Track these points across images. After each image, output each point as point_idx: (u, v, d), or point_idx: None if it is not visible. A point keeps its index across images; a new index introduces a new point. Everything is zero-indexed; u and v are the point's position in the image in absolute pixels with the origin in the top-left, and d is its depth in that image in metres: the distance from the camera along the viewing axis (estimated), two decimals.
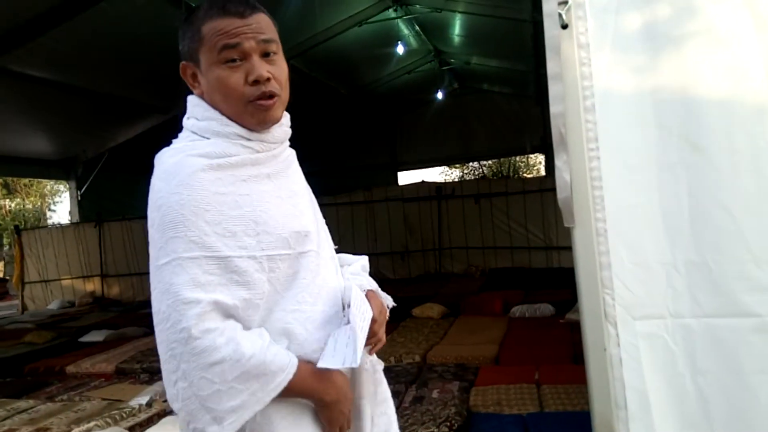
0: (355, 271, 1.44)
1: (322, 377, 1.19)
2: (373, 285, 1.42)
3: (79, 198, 11.95)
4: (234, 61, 1.18)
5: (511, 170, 21.71)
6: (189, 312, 1.08)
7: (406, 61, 11.32)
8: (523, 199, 9.49)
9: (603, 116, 1.83)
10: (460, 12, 8.80)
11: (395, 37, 9.85)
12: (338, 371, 1.22)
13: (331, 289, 1.28)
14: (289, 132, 1.30)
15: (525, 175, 21.07)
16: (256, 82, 1.18)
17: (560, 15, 1.81)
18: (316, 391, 1.19)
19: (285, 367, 1.13)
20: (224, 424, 1.08)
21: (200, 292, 1.09)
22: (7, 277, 16.16)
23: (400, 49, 10.07)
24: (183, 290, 1.09)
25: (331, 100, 12.51)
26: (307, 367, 1.18)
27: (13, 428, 3.85)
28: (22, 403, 4.44)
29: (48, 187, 19.77)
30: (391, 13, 9.01)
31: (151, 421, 3.74)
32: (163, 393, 4.35)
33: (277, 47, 1.22)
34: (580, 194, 1.85)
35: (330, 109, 13.04)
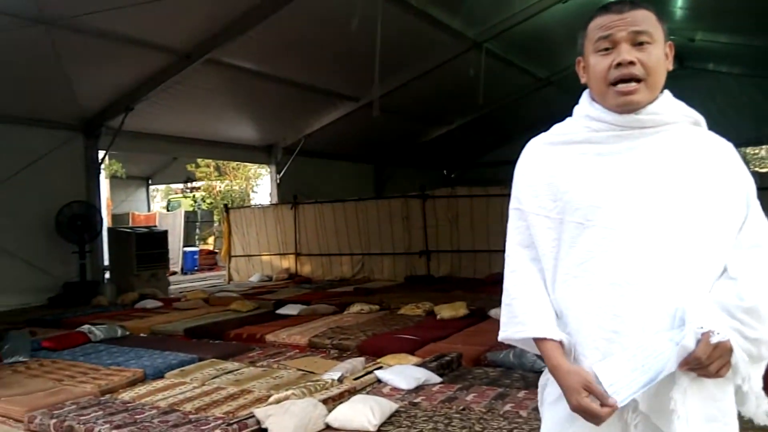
0: (720, 301, 1.22)
1: (556, 365, 1.30)
2: (725, 328, 1.18)
3: (278, 181, 13.02)
4: (606, 49, 1.33)
5: None
6: (507, 244, 1.46)
7: None
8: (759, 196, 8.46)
9: None
10: None
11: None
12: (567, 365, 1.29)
13: (625, 274, 1.26)
14: (659, 118, 1.33)
15: (757, 169, 19.34)
16: (619, 65, 1.30)
17: None
18: (551, 369, 1.33)
19: (522, 328, 1.37)
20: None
21: (512, 233, 1.45)
22: (216, 250, 18.15)
23: None
24: (508, 229, 1.47)
25: (526, 85, 12.11)
26: (547, 347, 1.32)
27: (222, 386, 4.23)
28: (229, 365, 4.87)
29: (252, 170, 21.83)
30: None
31: (342, 396, 3.84)
32: (354, 370, 4.48)
33: (651, 38, 1.32)
34: None
35: (525, 95, 12.64)
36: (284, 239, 12.30)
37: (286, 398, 3.59)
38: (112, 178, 17.58)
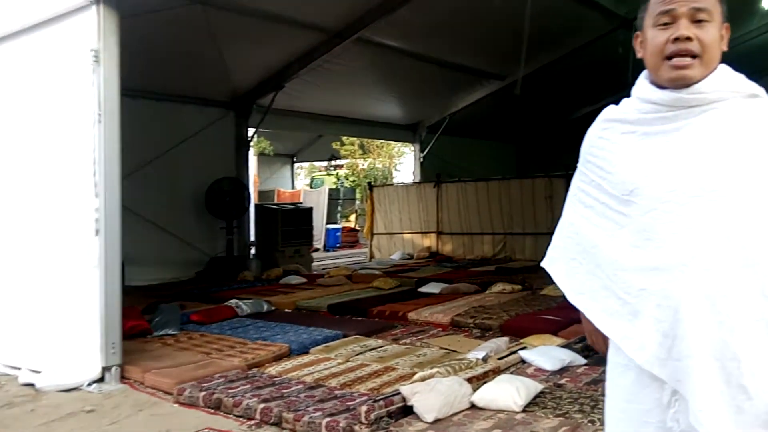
0: None
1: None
2: None
3: (422, 160, 13.19)
4: (666, 24, 1.38)
5: None
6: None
7: None
8: None
9: None
10: None
11: None
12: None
13: (668, 256, 1.31)
14: (706, 97, 1.36)
15: None
16: (677, 39, 1.35)
17: None
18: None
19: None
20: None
21: (570, 200, 1.61)
22: (358, 228, 18.75)
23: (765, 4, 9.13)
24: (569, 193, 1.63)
25: None
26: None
27: (366, 363, 4.37)
28: (372, 342, 5.03)
29: (395, 149, 22.23)
30: None
31: (486, 375, 3.86)
32: (498, 350, 4.48)
33: (710, 16, 1.37)
34: None
35: None
36: (426, 217, 12.48)
37: (431, 376, 3.64)
38: (260, 155, 18.66)
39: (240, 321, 6.06)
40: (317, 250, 15.06)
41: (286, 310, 6.85)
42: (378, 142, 20.50)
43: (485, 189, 11.60)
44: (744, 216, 1.27)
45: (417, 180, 13.21)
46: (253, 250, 10.56)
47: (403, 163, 22.41)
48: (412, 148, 14.03)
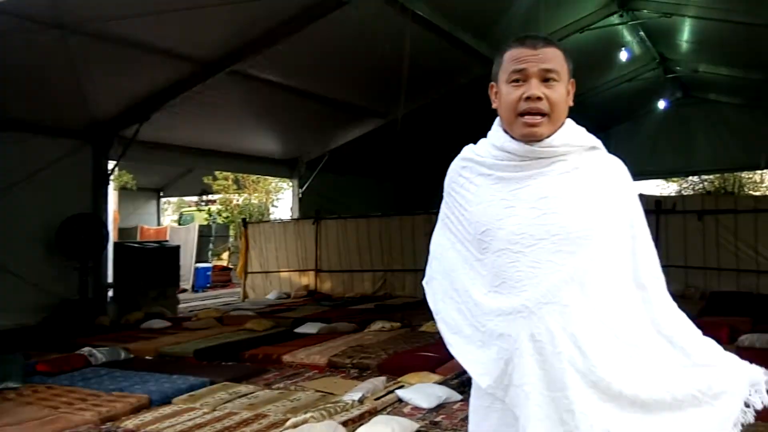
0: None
1: None
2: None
3: (300, 196, 13.04)
4: (518, 81, 1.51)
5: (736, 187, 20.73)
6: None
7: (628, 68, 11.38)
8: (755, 218, 9.02)
9: None
10: (690, 17, 8.74)
11: (618, 44, 9.96)
12: None
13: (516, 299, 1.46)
14: (554, 150, 1.51)
15: (752, 192, 20.14)
16: (528, 98, 1.48)
17: None
18: None
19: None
20: None
21: (440, 221, 1.74)
22: (231, 266, 18.13)
23: (623, 56, 10.17)
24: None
25: None
26: None
27: (234, 412, 4.14)
28: (243, 388, 4.79)
29: (272, 184, 21.92)
30: (615, 19, 9.03)
31: (362, 417, 3.79)
32: (374, 390, 4.40)
33: (558, 76, 1.51)
34: None
35: None
36: (304, 255, 12.34)
37: (304, 422, 3.54)
38: (121, 189, 17.69)
39: (94, 371, 5.59)
40: (185, 291, 14.35)
41: (147, 357, 6.41)
42: (254, 177, 20.12)
43: (366, 226, 11.69)
44: (584, 258, 1.43)
45: (295, 216, 13.05)
46: (111, 293, 9.83)
47: (282, 198, 22.16)
48: (291, 184, 13.86)
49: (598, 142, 1.58)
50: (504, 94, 1.54)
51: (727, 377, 1.45)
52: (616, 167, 1.56)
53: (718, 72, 11.32)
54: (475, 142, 1.66)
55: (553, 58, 1.52)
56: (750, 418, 1.46)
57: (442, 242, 1.68)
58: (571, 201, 1.47)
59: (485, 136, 1.63)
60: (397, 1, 7.27)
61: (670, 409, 1.40)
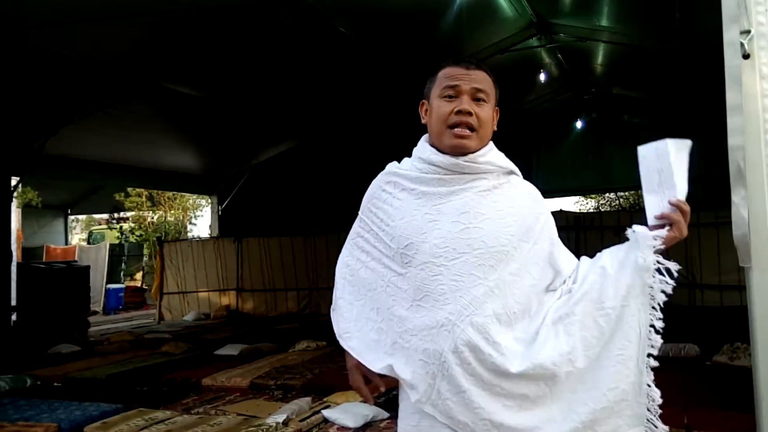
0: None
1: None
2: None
3: (220, 213, 12.73)
4: (450, 97, 1.61)
5: None
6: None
7: (546, 89, 11.73)
8: None
9: None
10: (604, 41, 9.10)
11: (537, 66, 10.24)
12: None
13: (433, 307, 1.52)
14: (478, 167, 1.60)
15: None
16: (459, 112, 1.58)
17: (742, 44, 1.88)
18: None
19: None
20: None
21: (348, 243, 1.79)
22: (146, 287, 17.49)
23: (541, 78, 10.51)
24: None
25: None
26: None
27: None
28: (160, 414, 4.61)
29: (190, 201, 21.33)
30: (534, 41, 9.25)
31: None
32: (300, 411, 4.35)
33: (487, 97, 1.63)
34: (760, 233, 1.91)
35: None
36: (225, 274, 12.11)
37: None
38: (25, 206, 16.79)
39: None
40: (96, 313, 13.74)
41: (56, 384, 6.14)
42: (170, 193, 19.54)
43: (289, 243, 11.60)
44: (504, 271, 1.51)
45: (215, 234, 12.75)
46: (14, 317, 9.30)
47: (201, 216, 21.63)
48: (210, 201, 13.52)
49: (516, 168, 1.69)
50: (435, 107, 1.63)
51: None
52: (531, 191, 1.68)
53: (629, 93, 12.01)
54: (397, 158, 1.71)
55: (484, 80, 1.63)
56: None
57: (351, 263, 1.72)
58: (491, 217, 1.55)
59: (406, 150, 1.70)
60: (319, 15, 7.23)
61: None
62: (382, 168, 1.72)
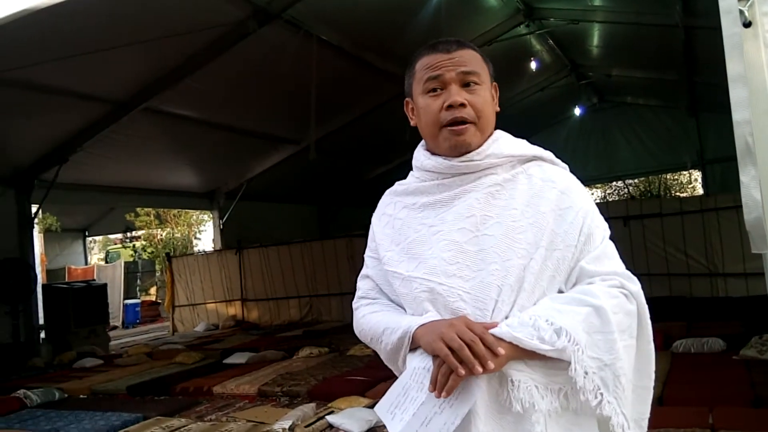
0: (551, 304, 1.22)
1: None
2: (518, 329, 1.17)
3: (221, 227, 12.77)
4: (435, 90, 1.32)
5: (662, 189, 19.23)
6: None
7: (539, 77, 10.91)
8: (681, 220, 8.49)
9: None
10: (599, 22, 8.35)
11: (527, 54, 9.47)
12: None
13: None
14: (480, 164, 1.31)
15: (679, 194, 18.80)
16: (450, 107, 1.29)
17: (741, 12, 1.61)
18: None
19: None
20: None
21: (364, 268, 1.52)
22: (159, 301, 17.63)
23: (532, 66, 9.70)
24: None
25: None
26: None
27: None
28: (176, 422, 4.77)
29: (194, 217, 21.42)
30: (522, 29, 8.69)
31: None
32: (305, 417, 4.46)
33: (479, 79, 1.32)
34: None
35: None
36: (230, 285, 12.13)
37: None
38: (46, 231, 16.95)
39: (29, 412, 5.54)
40: (115, 328, 13.90)
41: (81, 396, 6.33)
42: (175, 211, 19.66)
43: (287, 252, 11.52)
44: (521, 267, 1.23)
45: (218, 247, 12.80)
46: (42, 334, 9.52)
47: (205, 230, 21.69)
48: (211, 216, 13.63)
49: (542, 152, 1.37)
50: (422, 107, 1.34)
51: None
52: (557, 179, 1.32)
53: (631, 75, 10.77)
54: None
55: (471, 59, 1.33)
56: None
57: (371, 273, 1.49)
58: (501, 221, 1.26)
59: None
60: (300, 27, 7.21)
61: None
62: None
